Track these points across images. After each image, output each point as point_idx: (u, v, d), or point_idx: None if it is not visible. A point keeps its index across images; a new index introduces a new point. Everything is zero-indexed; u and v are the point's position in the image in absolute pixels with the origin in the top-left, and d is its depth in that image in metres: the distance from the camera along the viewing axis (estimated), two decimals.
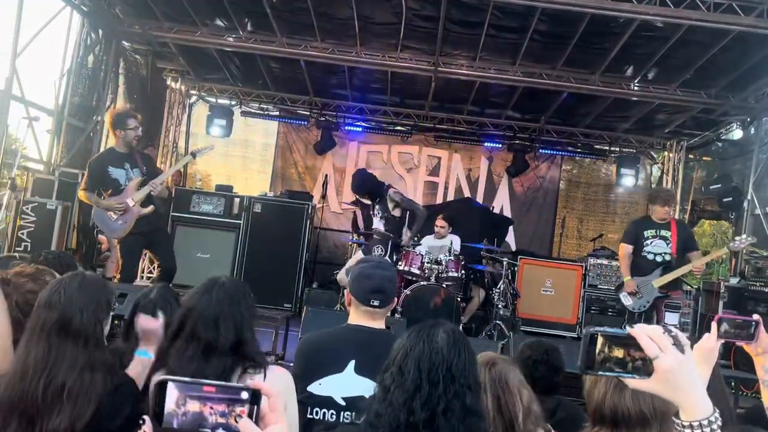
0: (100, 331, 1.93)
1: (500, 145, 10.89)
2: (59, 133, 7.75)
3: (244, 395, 0.88)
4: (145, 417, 1.53)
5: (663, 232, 5.80)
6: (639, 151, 11.05)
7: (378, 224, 6.59)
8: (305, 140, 11.02)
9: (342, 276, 6.80)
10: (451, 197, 10.84)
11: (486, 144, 10.93)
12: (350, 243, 8.65)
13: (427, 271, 6.56)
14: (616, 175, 10.92)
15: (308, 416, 2.17)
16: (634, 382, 1.08)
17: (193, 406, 0.87)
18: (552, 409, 2.74)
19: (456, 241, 7.22)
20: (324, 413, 2.18)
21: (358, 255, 6.94)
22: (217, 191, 8.70)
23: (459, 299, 6.57)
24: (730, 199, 8.74)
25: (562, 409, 2.76)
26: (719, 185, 9.11)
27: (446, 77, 8.63)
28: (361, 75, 9.44)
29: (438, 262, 6.61)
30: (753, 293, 7.06)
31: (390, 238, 6.44)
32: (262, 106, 11.03)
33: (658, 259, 5.77)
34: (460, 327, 6.46)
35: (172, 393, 0.87)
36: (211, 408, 0.87)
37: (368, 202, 7.18)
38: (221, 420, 0.87)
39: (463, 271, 6.87)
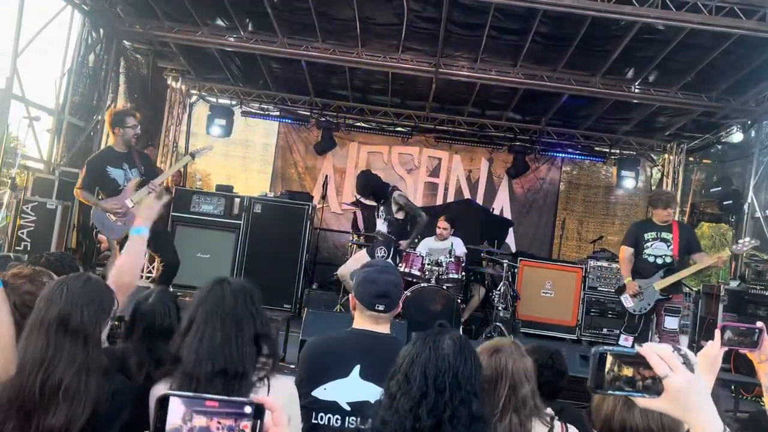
0: (98, 333, 1.91)
1: (501, 147, 10.91)
2: (59, 133, 7.74)
3: (248, 410, 0.87)
4: None
5: (664, 234, 5.78)
6: (639, 154, 11.06)
7: (381, 226, 6.58)
8: (305, 140, 11.02)
9: (343, 272, 6.78)
10: (451, 198, 10.84)
11: (486, 145, 10.95)
12: (350, 244, 8.64)
13: (427, 272, 6.55)
14: (616, 177, 10.93)
15: (313, 421, 2.17)
16: (643, 401, 1.08)
17: (200, 422, 0.85)
18: (556, 413, 2.73)
19: (457, 243, 7.22)
20: (329, 418, 2.17)
21: (360, 254, 6.92)
22: (217, 191, 8.68)
23: (459, 301, 6.56)
24: (730, 202, 8.75)
25: (566, 414, 2.76)
26: (719, 188, 9.11)
27: (447, 78, 8.63)
28: (361, 76, 9.44)
29: (438, 264, 6.61)
30: (753, 296, 7.06)
31: (392, 241, 6.43)
32: (262, 106, 11.02)
33: (659, 261, 5.76)
34: (461, 329, 6.45)
35: (176, 408, 0.85)
36: (219, 423, 0.86)
37: (372, 203, 7.17)
38: None
39: (463, 273, 6.86)
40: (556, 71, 8.25)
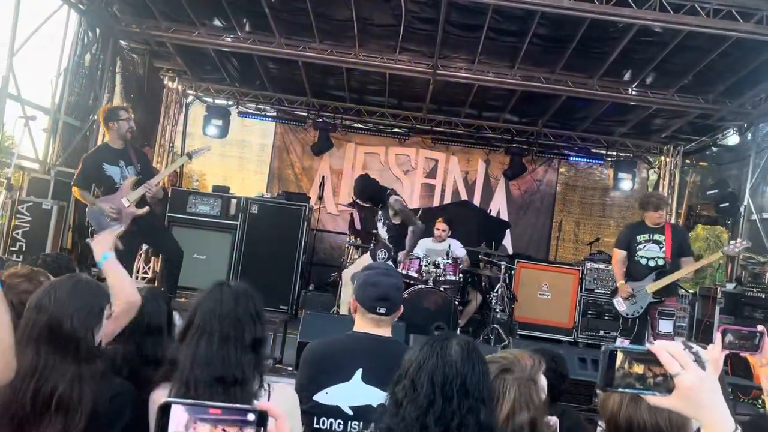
0: (91, 338, 1.87)
1: (498, 148, 10.92)
2: (55, 132, 7.70)
3: (251, 417, 0.85)
4: None
5: (656, 237, 5.78)
6: (636, 156, 11.08)
7: (381, 230, 6.56)
8: (302, 141, 11.00)
9: (347, 278, 6.77)
10: (448, 200, 10.84)
11: (483, 147, 10.95)
12: (347, 245, 8.62)
13: (425, 274, 6.53)
14: (612, 179, 10.96)
15: (315, 426, 2.15)
16: (654, 399, 1.07)
17: (203, 429, 0.84)
18: (557, 417, 2.72)
19: (454, 245, 7.21)
20: (331, 423, 2.15)
21: (364, 258, 6.88)
22: (213, 192, 8.65)
23: (457, 303, 6.55)
24: (727, 204, 8.77)
25: (566, 418, 2.75)
26: (716, 190, 9.13)
27: (444, 80, 8.62)
28: (359, 77, 9.43)
29: (436, 266, 6.59)
30: (750, 299, 7.08)
31: (391, 250, 6.39)
32: (259, 106, 11.00)
33: (651, 263, 5.76)
34: (458, 331, 6.43)
35: (179, 416, 0.84)
36: (223, 430, 0.84)
37: (369, 205, 7.15)
38: None
39: (461, 275, 6.85)
40: (553, 73, 8.26)
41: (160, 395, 1.88)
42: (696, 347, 1.09)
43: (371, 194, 6.59)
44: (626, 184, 10.76)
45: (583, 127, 10.36)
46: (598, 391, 1.79)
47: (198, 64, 9.74)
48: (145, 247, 9.00)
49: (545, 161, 11.09)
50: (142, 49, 9.23)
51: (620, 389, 1.07)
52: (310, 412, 2.14)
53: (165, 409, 0.83)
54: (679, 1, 6.20)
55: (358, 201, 7.39)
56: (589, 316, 8.28)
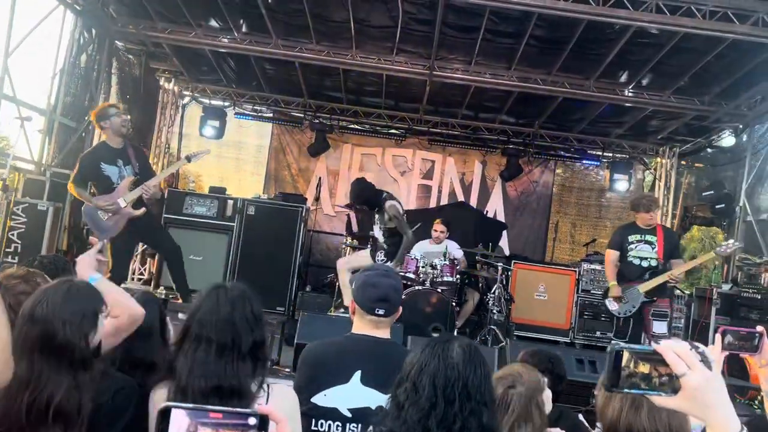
0: (86, 345, 1.85)
1: (494, 149, 10.93)
2: (51, 133, 7.66)
3: (252, 421, 0.85)
4: None
5: (648, 237, 5.83)
6: (632, 157, 11.11)
7: (378, 234, 6.55)
8: (299, 142, 10.98)
9: (341, 266, 6.78)
10: (444, 201, 10.84)
11: (480, 148, 10.96)
12: (344, 246, 8.61)
13: (422, 275, 6.54)
14: (608, 180, 10.98)
15: (313, 428, 2.14)
16: (660, 400, 1.07)
17: None
18: (554, 419, 2.72)
19: (452, 246, 7.21)
20: (329, 425, 2.14)
21: (363, 253, 6.86)
22: (210, 193, 8.63)
23: (454, 304, 6.55)
24: (723, 205, 8.79)
25: (564, 420, 2.75)
26: (711, 192, 9.15)
27: (441, 81, 8.63)
28: (355, 78, 9.42)
29: (433, 267, 6.59)
30: (745, 300, 7.09)
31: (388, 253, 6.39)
32: (255, 107, 10.97)
33: (644, 264, 5.80)
34: (455, 332, 6.44)
35: (180, 420, 0.83)
36: None
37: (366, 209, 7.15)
38: None
39: (458, 276, 6.86)
40: (550, 74, 8.26)
41: (160, 395, 1.87)
42: (702, 347, 1.08)
43: (367, 198, 6.58)
44: (622, 185, 10.78)
45: (580, 128, 10.38)
46: (597, 396, 1.79)
47: (194, 65, 9.72)
48: (140, 248, 9.00)
49: (541, 162, 11.11)
50: (139, 50, 9.20)
51: (626, 390, 1.06)
52: (308, 414, 2.13)
53: (165, 414, 0.83)
54: (676, 2, 6.21)
55: (354, 205, 7.38)
56: (585, 317, 8.30)
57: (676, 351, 1.05)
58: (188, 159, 5.93)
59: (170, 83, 10.53)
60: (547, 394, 2.09)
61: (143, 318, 2.24)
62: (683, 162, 10.84)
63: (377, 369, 2.19)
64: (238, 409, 0.87)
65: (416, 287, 6.39)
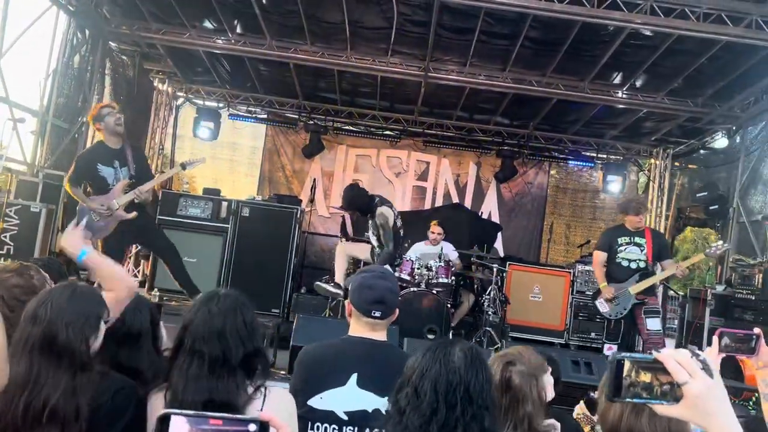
0: (86, 349, 1.84)
1: (489, 151, 10.94)
2: (44, 135, 7.62)
3: (252, 428, 0.85)
4: None
5: (637, 239, 5.88)
6: (626, 158, 11.14)
7: (372, 239, 6.54)
8: (293, 143, 10.96)
9: (340, 250, 6.79)
10: (439, 202, 10.84)
11: (475, 149, 10.97)
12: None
13: (417, 277, 6.53)
14: (602, 181, 11.01)
15: (309, 431, 2.12)
16: (662, 409, 1.06)
17: None
18: (551, 419, 2.71)
19: (447, 248, 7.20)
20: (326, 428, 2.12)
21: (364, 248, 6.82)
22: (204, 195, 8.59)
23: (449, 305, 6.55)
24: (716, 207, 8.83)
25: (561, 422, 2.74)
26: (705, 193, 9.19)
27: (436, 82, 8.63)
28: (350, 79, 9.41)
29: (428, 268, 6.59)
30: (739, 300, 7.12)
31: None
32: (250, 108, 10.95)
33: (633, 265, 5.84)
34: (450, 333, 6.43)
35: (180, 427, 0.83)
36: None
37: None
38: None
39: (453, 278, 6.85)
40: (545, 76, 8.28)
41: (158, 399, 1.86)
42: (704, 355, 1.08)
43: (359, 205, 6.58)
44: (616, 186, 10.81)
45: (574, 129, 10.40)
46: (598, 400, 1.78)
47: (188, 65, 9.69)
48: (134, 249, 8.96)
49: (536, 164, 11.13)
50: (132, 51, 9.17)
51: (627, 399, 1.06)
52: (305, 417, 2.11)
53: (165, 420, 0.82)
54: (670, 5, 6.24)
55: (346, 211, 7.38)
56: (580, 318, 8.29)
57: (677, 359, 1.04)
58: (183, 167, 5.95)
59: (164, 84, 10.49)
60: (549, 379, 2.08)
61: (136, 287, 2.28)
62: (677, 163, 10.89)
63: (374, 372, 2.18)
64: (239, 416, 0.86)
65: (411, 289, 6.38)
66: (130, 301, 2.29)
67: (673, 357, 1.05)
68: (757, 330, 1.90)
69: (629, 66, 7.87)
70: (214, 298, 1.94)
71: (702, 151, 10.20)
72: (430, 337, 5.95)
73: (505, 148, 10.76)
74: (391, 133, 11.08)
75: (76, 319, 1.83)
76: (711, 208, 8.98)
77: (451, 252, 7.25)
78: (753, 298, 6.93)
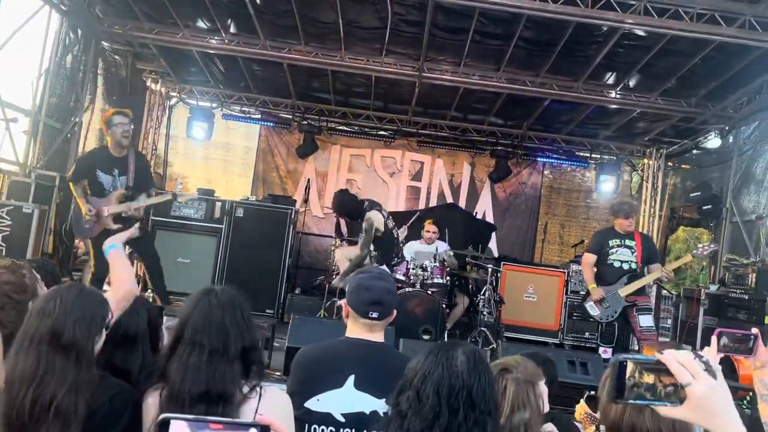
0: (91, 347, 1.85)
1: (483, 151, 10.96)
2: (36, 135, 7.56)
3: None
4: None
5: (628, 242, 5.94)
6: (619, 158, 11.18)
7: None
8: (287, 144, 10.94)
9: (340, 255, 6.80)
10: (433, 202, 10.85)
11: (469, 150, 10.98)
12: (333, 248, 8.58)
13: (412, 277, 6.53)
14: (596, 181, 11.04)
15: None
16: (665, 410, 1.06)
17: None
18: (548, 421, 2.71)
19: (441, 248, 7.20)
20: (323, 430, 2.11)
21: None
22: (198, 195, 8.55)
23: (444, 306, 6.55)
24: (710, 206, 8.85)
25: (557, 423, 2.73)
26: (698, 193, 9.22)
27: (430, 82, 8.63)
28: (344, 79, 9.40)
29: (423, 269, 6.59)
30: (733, 300, 7.15)
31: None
32: (243, 108, 10.92)
33: (624, 267, 5.88)
34: (446, 334, 6.43)
35: (180, 431, 0.82)
36: None
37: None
38: None
39: (448, 278, 6.86)
40: (539, 76, 8.29)
41: (153, 400, 1.85)
42: (706, 356, 1.07)
43: (349, 211, 6.69)
44: (609, 186, 10.85)
45: (568, 130, 10.43)
46: (600, 397, 1.78)
47: (182, 65, 9.65)
48: (127, 250, 8.91)
49: (530, 164, 11.15)
50: (125, 51, 9.12)
51: (631, 401, 1.05)
52: (301, 419, 2.10)
53: (164, 425, 0.81)
54: (663, 5, 6.26)
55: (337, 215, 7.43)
56: (574, 318, 8.32)
57: (679, 360, 1.04)
58: (175, 197, 6.06)
59: (157, 84, 10.44)
60: (545, 389, 2.08)
61: (135, 294, 2.39)
62: (670, 163, 10.94)
63: (371, 373, 2.17)
64: (239, 420, 0.86)
65: (407, 289, 6.38)
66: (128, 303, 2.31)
67: (675, 358, 1.04)
68: (755, 330, 1.91)
69: (623, 66, 7.89)
70: (212, 293, 1.95)
71: (695, 151, 10.24)
72: (425, 337, 5.95)
73: (499, 148, 10.77)
74: (385, 133, 11.08)
75: (83, 317, 1.84)
76: (704, 207, 9.02)
77: (441, 245, 7.25)
78: (746, 297, 6.96)
